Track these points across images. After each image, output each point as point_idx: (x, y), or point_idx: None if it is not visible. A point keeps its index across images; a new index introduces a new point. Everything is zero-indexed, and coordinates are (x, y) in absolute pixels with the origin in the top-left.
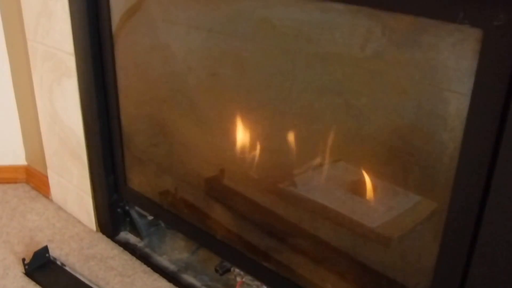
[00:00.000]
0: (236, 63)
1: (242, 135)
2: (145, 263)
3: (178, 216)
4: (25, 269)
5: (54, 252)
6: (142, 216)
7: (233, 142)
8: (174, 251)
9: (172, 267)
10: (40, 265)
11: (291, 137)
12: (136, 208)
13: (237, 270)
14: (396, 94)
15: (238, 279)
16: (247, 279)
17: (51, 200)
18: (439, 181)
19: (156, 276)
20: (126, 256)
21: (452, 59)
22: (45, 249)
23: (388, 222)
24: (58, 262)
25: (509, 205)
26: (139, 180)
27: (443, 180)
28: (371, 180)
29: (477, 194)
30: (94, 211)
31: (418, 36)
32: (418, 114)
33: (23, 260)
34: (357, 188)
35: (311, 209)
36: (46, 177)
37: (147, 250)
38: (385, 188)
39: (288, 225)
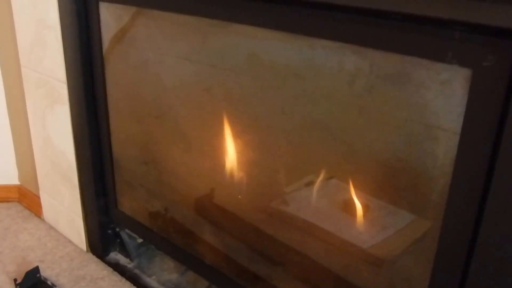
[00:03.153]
0: (224, 91)
1: (230, 156)
2: (134, 284)
3: (167, 239)
4: None
5: (45, 272)
6: (132, 237)
7: (222, 166)
8: (164, 272)
9: None
10: (31, 285)
11: (279, 159)
12: (126, 230)
13: None
14: (384, 130)
15: None
16: None
17: (43, 220)
18: (430, 208)
19: None
20: (116, 277)
21: (441, 97)
22: (36, 270)
23: (380, 243)
24: (49, 283)
25: (503, 229)
26: (129, 203)
27: (435, 208)
28: (362, 201)
29: (470, 215)
30: (85, 232)
31: (407, 74)
32: (407, 151)
33: (15, 280)
34: (349, 208)
35: (302, 230)
36: (38, 197)
37: (136, 271)
38: (377, 208)
39: (278, 247)
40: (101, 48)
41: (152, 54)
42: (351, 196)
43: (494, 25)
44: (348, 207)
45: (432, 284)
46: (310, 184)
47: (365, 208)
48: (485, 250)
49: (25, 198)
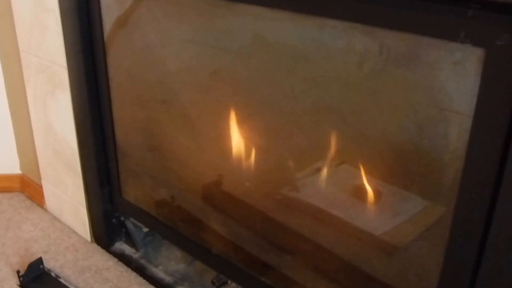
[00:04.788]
0: (231, 75)
1: (238, 142)
2: (140, 275)
3: (173, 228)
4: (20, 281)
5: (49, 264)
6: (137, 226)
7: (229, 151)
8: (170, 262)
9: (168, 278)
10: (35, 277)
11: (288, 144)
12: (132, 219)
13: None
14: (395, 113)
15: None
16: None
17: (46, 210)
18: (444, 194)
19: None
20: (121, 268)
21: (454, 78)
22: (39, 261)
23: (392, 229)
24: (53, 274)
25: None
26: (134, 191)
27: (448, 194)
28: (374, 186)
29: (483, 204)
30: (89, 222)
31: (418, 55)
32: (418, 134)
33: (18, 272)
34: (360, 194)
35: (313, 217)
36: (41, 186)
37: (142, 261)
38: (389, 194)
39: (287, 235)
40: (102, 31)
41: (156, 36)
42: (362, 181)
43: (509, 2)
44: (360, 193)
45: (444, 270)
46: (321, 170)
47: (377, 194)
48: (499, 236)
49: (27, 187)
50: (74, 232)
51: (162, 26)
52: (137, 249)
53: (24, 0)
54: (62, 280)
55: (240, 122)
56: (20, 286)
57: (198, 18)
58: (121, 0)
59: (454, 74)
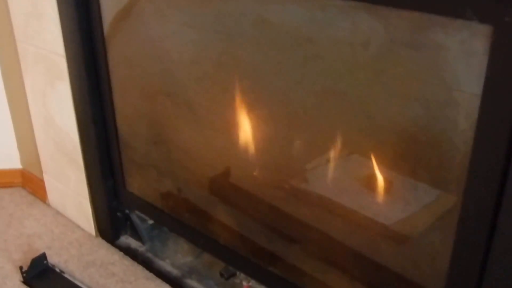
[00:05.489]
0: (235, 62)
1: (244, 134)
2: (147, 269)
3: (179, 220)
4: (23, 277)
5: (52, 259)
6: (143, 219)
7: (235, 141)
8: (177, 255)
9: (175, 272)
10: (39, 272)
11: (297, 133)
12: (137, 212)
13: (243, 274)
14: (402, 95)
15: (244, 283)
16: (254, 283)
17: (48, 205)
18: (452, 178)
19: (159, 281)
20: (128, 262)
21: (461, 57)
22: (43, 256)
23: (401, 219)
24: (57, 269)
25: None
26: (138, 183)
27: (456, 178)
28: (382, 176)
29: (492, 191)
30: (93, 216)
31: (424, 34)
32: (427, 115)
33: (21, 268)
34: (370, 184)
35: (321, 207)
36: (43, 181)
37: (149, 254)
38: (397, 184)
39: (296, 225)
40: (100, 17)
41: (157, 23)
42: (371, 169)
43: None
44: (370, 182)
45: (453, 260)
46: (330, 160)
47: (387, 183)
48: (509, 223)
49: (29, 182)
50: (78, 226)
51: (164, 13)
52: (143, 243)
53: None
54: (66, 276)
55: (246, 111)
56: (23, 282)
57: (200, 4)
58: None
59: (461, 53)
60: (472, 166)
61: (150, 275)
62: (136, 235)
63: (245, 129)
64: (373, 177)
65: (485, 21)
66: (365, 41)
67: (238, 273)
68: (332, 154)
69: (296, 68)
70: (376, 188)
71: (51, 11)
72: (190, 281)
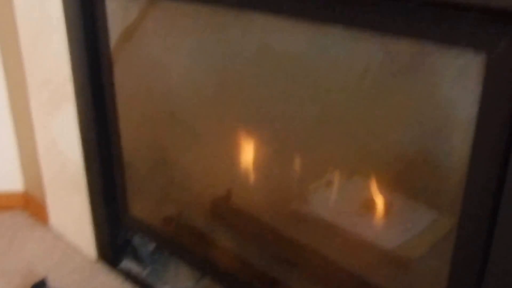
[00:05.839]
0: (238, 86)
1: (247, 157)
2: None
3: (181, 244)
4: None
5: (53, 284)
6: (144, 244)
7: (238, 164)
8: (178, 279)
9: None
10: None
11: (298, 157)
12: (139, 235)
13: None
14: (400, 119)
15: None
16: None
17: (49, 228)
18: (448, 201)
19: None
20: (129, 287)
21: (456, 83)
22: (43, 282)
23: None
24: None
25: None
26: (141, 207)
27: (452, 201)
28: (383, 199)
29: (486, 212)
30: (94, 240)
31: (421, 62)
32: (424, 139)
33: None
34: (369, 207)
35: (322, 231)
36: (45, 204)
37: (150, 279)
38: (395, 207)
39: (297, 250)
40: (108, 43)
41: (163, 48)
42: (370, 193)
43: (509, 10)
44: (369, 206)
45: (451, 282)
46: (330, 183)
47: (386, 206)
48: (503, 243)
49: (31, 205)
50: (79, 251)
51: (168, 40)
52: (144, 267)
53: (28, 12)
54: None
55: (248, 136)
56: None
57: (205, 29)
58: (127, 11)
59: (457, 79)
60: (467, 188)
61: None
62: (138, 260)
63: (247, 152)
64: (371, 200)
65: (479, 50)
66: (364, 68)
67: None
68: (331, 178)
69: (296, 94)
70: (375, 211)
71: (59, 35)
72: None
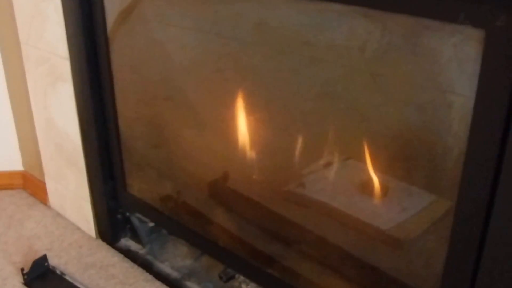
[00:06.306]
0: (236, 64)
1: (244, 137)
2: (146, 271)
3: (179, 222)
4: (24, 279)
5: (53, 261)
6: (143, 222)
7: (235, 144)
8: (177, 257)
9: (174, 274)
10: (39, 274)
11: (295, 137)
12: (137, 214)
13: (242, 277)
14: (397, 98)
15: (243, 286)
16: (253, 286)
17: (49, 207)
18: (445, 183)
19: (158, 284)
20: (127, 264)
21: (454, 60)
22: (44, 258)
23: (397, 223)
24: (58, 271)
25: None
26: (139, 185)
27: (449, 182)
28: (380, 180)
29: (484, 193)
30: (93, 218)
31: (419, 38)
32: (421, 117)
33: (22, 269)
34: (366, 188)
35: (319, 211)
36: (43, 183)
37: (148, 257)
38: (393, 188)
39: (294, 229)
40: (104, 19)
41: (159, 26)
42: (368, 176)
43: None
44: (366, 187)
45: (448, 263)
46: (327, 165)
47: (383, 188)
48: (500, 225)
49: (30, 184)
50: (78, 228)
51: (165, 16)
52: (143, 245)
53: None
54: (67, 277)
55: (245, 115)
56: (24, 284)
57: (202, 8)
58: None
59: (455, 56)
60: (465, 169)
61: (150, 277)
62: (136, 238)
63: (244, 132)
64: (369, 181)
65: (477, 26)
66: (361, 45)
67: (237, 275)
68: (329, 158)
69: (294, 72)
70: (372, 192)
71: (55, 13)
72: (189, 284)
